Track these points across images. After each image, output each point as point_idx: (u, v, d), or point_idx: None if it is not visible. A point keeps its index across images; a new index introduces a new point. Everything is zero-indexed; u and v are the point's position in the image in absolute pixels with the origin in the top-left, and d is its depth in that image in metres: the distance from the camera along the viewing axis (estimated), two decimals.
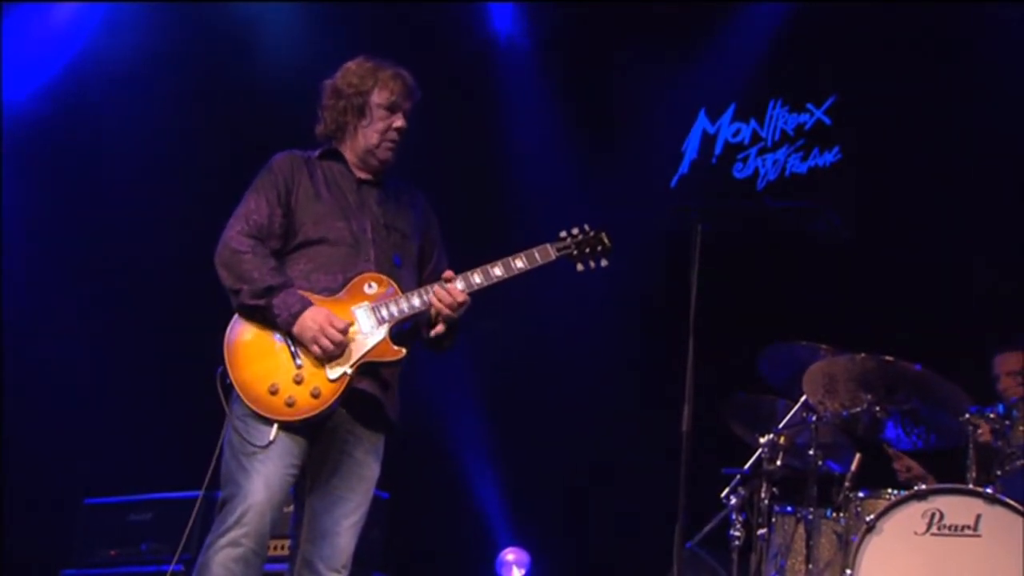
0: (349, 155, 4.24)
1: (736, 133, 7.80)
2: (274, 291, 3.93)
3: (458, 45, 8.01)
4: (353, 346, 3.98)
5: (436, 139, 7.68)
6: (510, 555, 7.35)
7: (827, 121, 7.53)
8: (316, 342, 3.92)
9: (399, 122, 4.21)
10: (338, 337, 3.92)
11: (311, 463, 4.03)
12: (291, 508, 4.16)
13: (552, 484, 7.50)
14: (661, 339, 6.47)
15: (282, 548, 5.28)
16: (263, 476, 3.88)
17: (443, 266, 4.26)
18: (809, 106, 7.60)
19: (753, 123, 7.76)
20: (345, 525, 4.06)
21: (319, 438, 4.02)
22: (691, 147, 7.89)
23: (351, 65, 4.27)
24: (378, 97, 4.19)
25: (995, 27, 6.91)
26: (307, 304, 3.94)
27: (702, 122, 7.89)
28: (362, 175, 4.23)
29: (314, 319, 3.91)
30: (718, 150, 7.83)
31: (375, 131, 4.19)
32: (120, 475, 6.77)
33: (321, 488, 4.05)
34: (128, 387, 7.30)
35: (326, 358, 3.94)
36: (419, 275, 4.25)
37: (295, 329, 3.93)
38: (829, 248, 6.60)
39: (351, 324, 3.97)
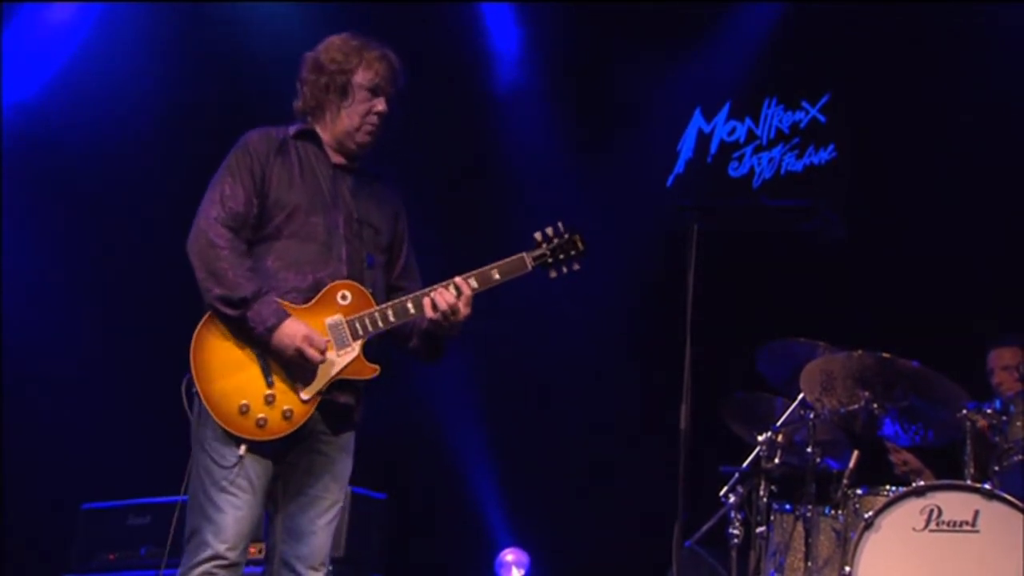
0: (326, 136, 4.06)
1: (731, 132, 7.80)
2: (248, 303, 3.77)
3: (454, 45, 8.00)
4: (326, 364, 3.84)
5: (433, 140, 7.70)
6: (509, 556, 7.35)
7: (822, 119, 7.54)
8: (295, 361, 3.79)
9: (381, 106, 4.02)
10: (318, 357, 3.78)
11: (283, 466, 3.91)
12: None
13: (551, 484, 7.50)
14: (658, 338, 6.48)
15: (258, 551, 5.29)
16: (233, 509, 3.78)
17: (412, 264, 4.14)
18: (804, 104, 7.60)
19: (748, 121, 7.76)
20: (321, 524, 3.95)
21: (292, 445, 3.91)
22: (686, 146, 7.90)
23: (335, 40, 4.10)
24: (362, 77, 4.02)
25: (990, 25, 6.92)
26: (283, 317, 3.78)
27: (697, 121, 7.90)
28: (337, 159, 4.06)
29: (291, 336, 3.76)
30: (713, 149, 7.83)
31: (356, 113, 4.01)
32: (118, 479, 6.76)
33: (295, 489, 3.94)
34: (126, 391, 7.30)
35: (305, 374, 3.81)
36: (388, 273, 4.10)
37: (273, 344, 3.79)
38: (825, 246, 6.61)
39: (328, 340, 3.83)
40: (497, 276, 3.99)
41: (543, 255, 4.04)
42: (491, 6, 8.12)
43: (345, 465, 4.02)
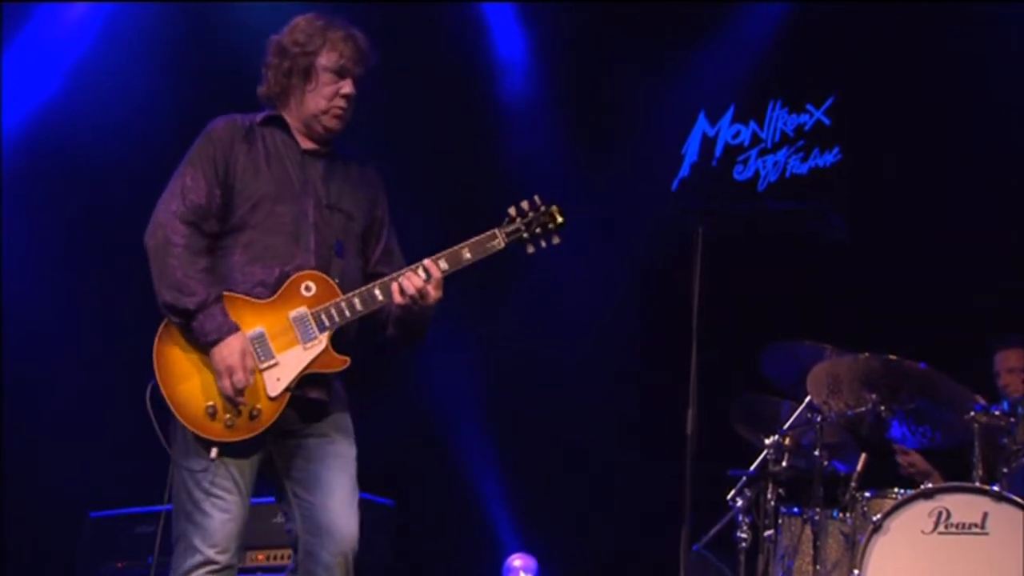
0: (293, 121, 3.91)
1: (736, 135, 7.80)
2: (191, 314, 3.66)
3: (457, 47, 8.00)
4: (293, 360, 3.72)
5: (435, 143, 7.70)
6: (517, 561, 7.33)
7: (827, 121, 7.53)
8: (220, 382, 3.66)
9: (347, 88, 3.87)
10: (228, 390, 3.64)
11: (279, 451, 3.79)
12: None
13: (558, 488, 7.49)
14: (665, 342, 6.47)
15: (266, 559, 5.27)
16: (220, 512, 3.68)
17: (392, 250, 4.00)
18: (809, 107, 7.60)
19: (753, 125, 7.76)
20: (333, 505, 3.77)
21: (273, 439, 3.77)
22: (691, 149, 7.89)
23: (300, 21, 3.93)
24: (326, 59, 3.85)
25: (994, 26, 6.91)
26: (224, 334, 3.65)
27: (702, 124, 7.89)
28: (307, 144, 3.92)
29: (219, 361, 3.65)
30: (718, 152, 7.83)
31: (321, 96, 3.86)
32: (125, 487, 6.75)
33: (299, 475, 3.80)
34: (133, 398, 7.28)
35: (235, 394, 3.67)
36: (364, 260, 3.96)
37: (211, 358, 3.68)
38: (831, 248, 6.60)
39: (260, 369, 3.69)
40: (468, 255, 3.82)
41: (517, 230, 3.87)
42: (494, 9, 8.12)
43: (344, 445, 3.85)
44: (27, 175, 7.34)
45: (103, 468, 7.03)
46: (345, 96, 3.88)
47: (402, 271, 3.81)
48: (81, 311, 7.39)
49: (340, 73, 3.87)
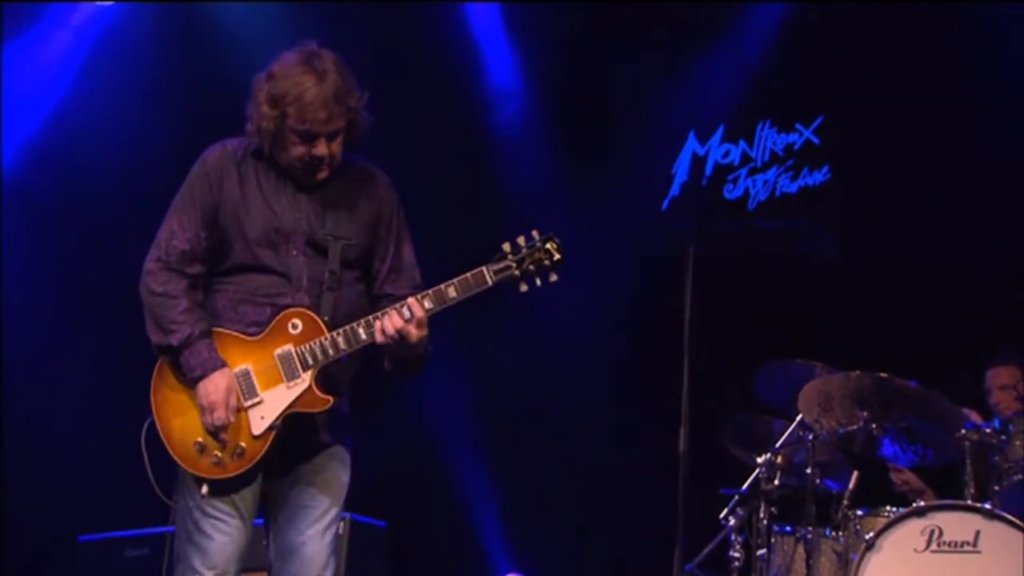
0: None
1: (726, 154, 7.82)
2: (176, 351, 3.67)
3: (447, 69, 8.02)
4: (277, 398, 3.69)
5: (423, 163, 7.70)
6: None
7: (815, 141, 7.56)
8: (202, 418, 3.68)
9: (319, 150, 3.71)
10: (208, 426, 3.66)
11: (269, 476, 3.77)
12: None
13: (551, 509, 7.48)
14: (656, 362, 6.48)
15: None
16: (220, 533, 3.69)
17: (402, 267, 3.89)
18: (798, 126, 7.62)
19: (743, 144, 7.78)
20: (310, 534, 3.75)
21: (268, 467, 3.75)
22: (681, 169, 7.91)
23: (277, 70, 3.73)
24: (293, 122, 3.68)
25: (986, 45, 6.94)
26: (208, 370, 3.65)
27: (692, 144, 7.91)
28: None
29: (202, 396, 3.66)
30: (708, 172, 7.85)
31: (293, 156, 3.73)
32: (115, 510, 6.73)
33: (282, 500, 3.79)
34: (124, 421, 7.25)
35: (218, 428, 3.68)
36: (369, 282, 3.87)
37: (196, 393, 3.69)
38: (821, 267, 6.61)
39: (244, 407, 3.67)
40: (454, 294, 3.69)
41: (506, 268, 3.72)
42: (484, 27, 8.12)
43: (336, 474, 3.82)
44: (28, 181, 7.34)
45: (93, 492, 7.01)
46: (316, 156, 3.73)
47: (386, 310, 3.71)
48: (75, 335, 7.37)
49: (309, 137, 3.71)
